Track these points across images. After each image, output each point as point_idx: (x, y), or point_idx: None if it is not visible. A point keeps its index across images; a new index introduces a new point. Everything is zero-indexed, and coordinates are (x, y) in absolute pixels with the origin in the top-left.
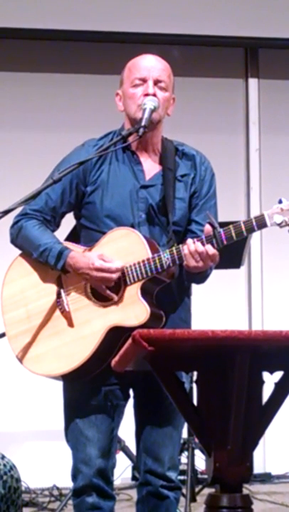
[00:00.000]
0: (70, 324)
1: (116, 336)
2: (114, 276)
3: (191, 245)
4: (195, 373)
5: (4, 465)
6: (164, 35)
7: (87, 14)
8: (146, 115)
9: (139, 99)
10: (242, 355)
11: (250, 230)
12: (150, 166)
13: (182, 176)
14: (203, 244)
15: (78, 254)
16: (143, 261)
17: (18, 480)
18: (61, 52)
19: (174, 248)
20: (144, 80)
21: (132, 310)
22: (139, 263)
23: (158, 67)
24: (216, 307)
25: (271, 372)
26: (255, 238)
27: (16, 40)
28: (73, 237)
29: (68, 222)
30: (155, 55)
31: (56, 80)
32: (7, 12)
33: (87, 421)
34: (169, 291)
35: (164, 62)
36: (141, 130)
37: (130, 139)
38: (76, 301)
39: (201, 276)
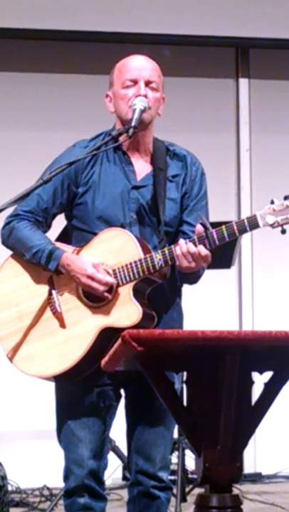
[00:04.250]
0: (62, 325)
1: (108, 336)
2: (102, 288)
3: (183, 246)
4: (185, 373)
5: None
6: (156, 35)
7: (79, 14)
8: (136, 115)
9: (130, 100)
10: (232, 356)
11: (243, 231)
12: (141, 167)
13: (173, 176)
14: (195, 245)
15: (74, 257)
16: (135, 261)
17: (3, 477)
18: (55, 52)
19: (166, 249)
20: (134, 81)
21: (125, 310)
22: (131, 264)
23: (148, 67)
24: (207, 307)
25: (261, 373)
26: (245, 238)
27: (10, 40)
28: (64, 237)
29: (59, 222)
30: (144, 55)
31: (50, 79)
32: (1, 12)
33: (79, 422)
34: (161, 291)
35: (154, 62)
36: (131, 130)
37: (121, 139)
38: (68, 302)
39: (193, 276)
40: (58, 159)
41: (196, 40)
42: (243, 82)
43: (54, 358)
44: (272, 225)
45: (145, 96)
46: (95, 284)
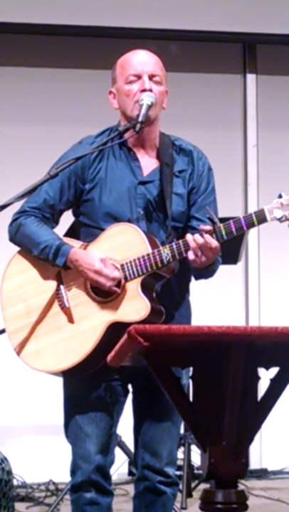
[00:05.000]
0: (70, 320)
1: (116, 331)
2: (109, 283)
3: (191, 242)
4: (191, 369)
5: None
6: (162, 31)
7: (85, 9)
8: (143, 111)
9: (136, 96)
10: (237, 351)
11: (251, 225)
12: (148, 162)
13: (180, 171)
14: (202, 237)
15: (82, 252)
16: (143, 256)
17: (9, 472)
18: (59, 47)
19: (174, 243)
20: (138, 76)
21: (133, 305)
22: (139, 258)
23: (151, 61)
24: (213, 303)
25: (267, 368)
26: (252, 234)
27: (14, 35)
28: (72, 233)
29: (67, 219)
30: (145, 50)
31: (55, 74)
32: (4, 7)
33: (86, 417)
34: (169, 287)
35: (155, 56)
36: (138, 126)
37: (127, 134)
38: (76, 297)
39: (209, 271)
40: (64, 156)
41: (203, 35)
42: (250, 78)
43: (62, 353)
44: (280, 219)
45: (150, 90)
46: (102, 279)
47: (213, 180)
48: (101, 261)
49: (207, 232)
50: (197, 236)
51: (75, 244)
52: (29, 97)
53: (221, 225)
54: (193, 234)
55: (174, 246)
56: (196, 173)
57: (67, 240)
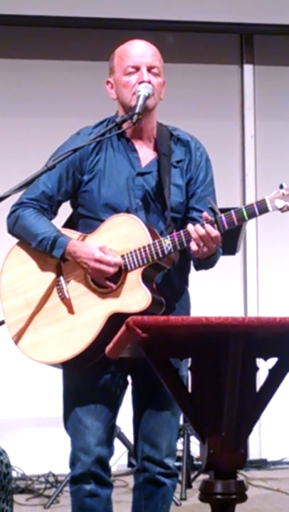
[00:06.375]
0: (70, 311)
1: (117, 322)
2: (112, 270)
3: (192, 232)
4: (189, 360)
5: None
6: (160, 22)
7: (81, 1)
8: (140, 102)
9: (134, 87)
10: (236, 342)
11: (252, 215)
12: (146, 153)
13: (177, 161)
14: (203, 227)
15: (79, 243)
16: (144, 247)
17: (8, 465)
18: (56, 38)
19: (174, 234)
20: (137, 68)
21: (133, 296)
22: (139, 249)
23: (149, 53)
24: (212, 294)
25: (265, 359)
26: (250, 224)
27: (11, 27)
28: (71, 224)
29: (66, 209)
30: (144, 40)
31: (52, 66)
32: None
33: (86, 409)
34: (169, 278)
35: (154, 46)
36: (135, 117)
37: (124, 125)
38: (76, 288)
39: (210, 261)
40: (62, 147)
41: (201, 26)
42: (248, 69)
43: (63, 344)
44: (281, 209)
45: (148, 82)
46: (104, 267)
47: (212, 172)
48: (100, 249)
49: (208, 222)
50: (198, 226)
51: (73, 235)
52: (26, 89)
53: (222, 215)
54: (194, 225)
55: (175, 236)
56: (194, 163)
57: (65, 231)
